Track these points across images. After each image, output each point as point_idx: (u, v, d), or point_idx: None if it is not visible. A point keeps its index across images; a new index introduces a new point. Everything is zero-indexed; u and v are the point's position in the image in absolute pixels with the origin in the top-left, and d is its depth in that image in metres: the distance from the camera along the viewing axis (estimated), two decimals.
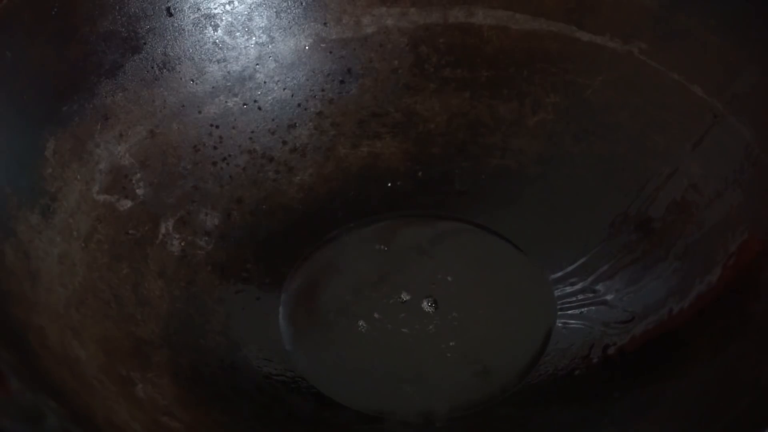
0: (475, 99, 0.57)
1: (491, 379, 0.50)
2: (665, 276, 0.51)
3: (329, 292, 0.53)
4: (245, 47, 0.56)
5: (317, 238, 0.55)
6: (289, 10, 0.56)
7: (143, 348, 0.49)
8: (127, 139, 0.53)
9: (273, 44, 0.56)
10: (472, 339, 0.51)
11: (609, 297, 0.52)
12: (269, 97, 0.56)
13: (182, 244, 0.53)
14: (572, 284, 0.53)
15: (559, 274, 0.53)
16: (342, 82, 0.57)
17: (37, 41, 0.50)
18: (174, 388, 0.48)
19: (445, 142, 0.57)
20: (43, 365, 0.44)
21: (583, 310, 0.52)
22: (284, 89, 0.56)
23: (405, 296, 0.53)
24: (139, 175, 0.53)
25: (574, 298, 0.52)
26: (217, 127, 0.55)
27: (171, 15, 0.54)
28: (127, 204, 0.52)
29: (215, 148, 0.55)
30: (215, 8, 0.55)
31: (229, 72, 0.55)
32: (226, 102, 0.55)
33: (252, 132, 0.56)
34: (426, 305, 0.52)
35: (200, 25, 0.55)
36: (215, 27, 0.55)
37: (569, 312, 0.52)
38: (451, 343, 0.51)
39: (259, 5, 0.56)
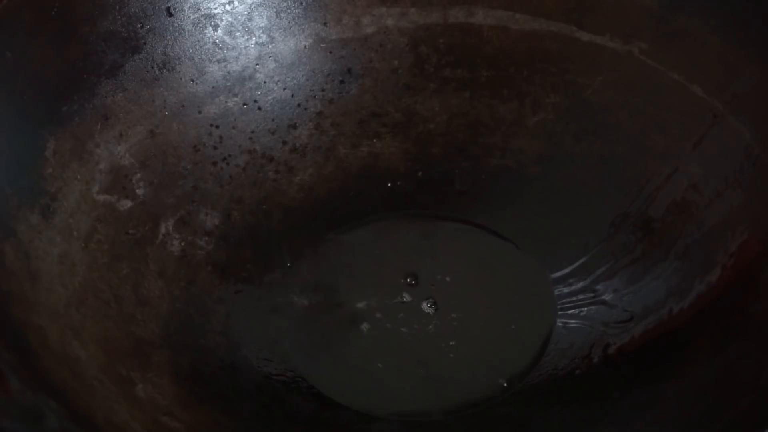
0: (475, 99, 0.57)
1: (491, 379, 0.50)
2: (665, 276, 0.51)
3: (329, 291, 0.53)
4: (245, 47, 0.56)
5: (317, 238, 0.55)
6: (289, 10, 0.56)
7: (143, 348, 0.49)
8: (127, 139, 0.53)
9: (273, 44, 0.56)
10: (472, 339, 0.51)
11: (609, 297, 0.52)
12: (269, 97, 0.56)
13: (182, 244, 0.53)
14: (572, 284, 0.53)
15: (559, 274, 0.53)
16: (342, 82, 0.57)
17: (37, 41, 0.50)
18: (174, 388, 0.48)
19: (445, 142, 0.57)
20: (43, 365, 0.44)
21: (583, 310, 0.52)
22: (284, 89, 0.56)
23: (405, 296, 0.53)
24: (139, 175, 0.53)
25: (574, 298, 0.52)
26: (217, 127, 0.55)
27: (171, 15, 0.54)
28: (127, 204, 0.52)
29: (215, 148, 0.55)
30: (215, 8, 0.55)
31: (229, 72, 0.55)
32: (226, 102, 0.55)
33: (252, 132, 0.56)
34: (426, 305, 0.52)
35: (200, 25, 0.55)
36: (215, 27, 0.55)
37: (569, 312, 0.52)
38: (451, 343, 0.51)
39: (259, 5, 0.56)
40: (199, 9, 0.55)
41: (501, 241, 0.55)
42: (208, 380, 0.49)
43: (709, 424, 0.44)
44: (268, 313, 0.52)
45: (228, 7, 0.55)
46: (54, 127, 0.50)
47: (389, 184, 0.57)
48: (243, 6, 0.55)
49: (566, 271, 0.53)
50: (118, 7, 0.52)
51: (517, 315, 0.52)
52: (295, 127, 0.56)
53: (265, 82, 0.56)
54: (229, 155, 0.55)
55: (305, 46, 0.56)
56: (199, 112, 0.55)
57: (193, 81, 0.55)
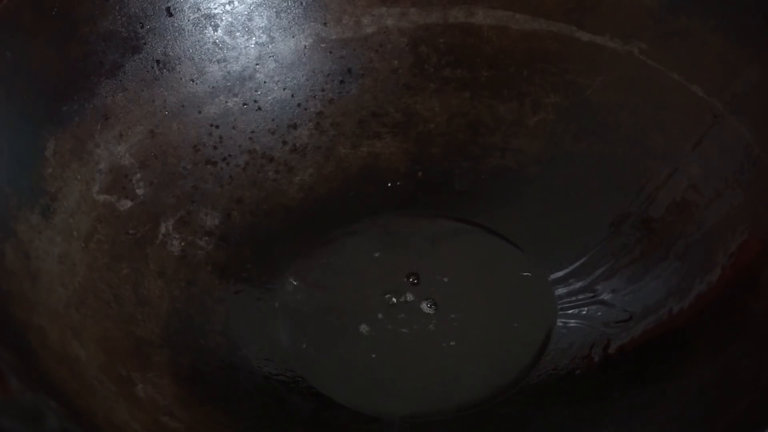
0: (475, 99, 0.57)
1: (491, 379, 0.50)
2: (665, 276, 0.51)
3: (329, 292, 0.53)
4: (245, 47, 0.56)
5: (317, 238, 0.55)
6: (289, 10, 0.56)
7: (143, 348, 0.49)
8: (127, 139, 0.53)
9: (273, 44, 0.56)
10: (471, 339, 0.51)
11: (609, 297, 0.52)
12: (269, 97, 0.56)
13: (182, 244, 0.53)
14: (572, 284, 0.53)
15: (559, 274, 0.53)
16: (342, 82, 0.57)
17: (37, 41, 0.50)
18: (174, 388, 0.48)
19: (445, 142, 0.57)
20: (43, 365, 0.44)
21: (583, 309, 0.52)
22: (284, 89, 0.56)
23: (405, 297, 0.53)
24: (139, 175, 0.53)
25: (574, 298, 0.52)
26: (217, 127, 0.55)
27: (171, 15, 0.54)
28: (127, 204, 0.52)
29: (215, 148, 0.55)
30: (215, 8, 0.55)
31: (229, 72, 0.55)
32: (226, 102, 0.55)
33: (252, 132, 0.56)
34: (425, 306, 0.52)
35: (200, 25, 0.55)
36: (215, 27, 0.55)
37: (569, 312, 0.52)
38: (451, 344, 0.51)
39: (259, 5, 0.56)
40: (199, 9, 0.55)
41: (501, 241, 0.55)
42: (208, 380, 0.49)
43: (709, 424, 0.44)
44: (268, 313, 0.52)
45: (228, 7, 0.55)
46: (54, 127, 0.50)
47: (389, 184, 0.57)
48: (243, 6, 0.55)
49: (566, 271, 0.53)
50: (118, 7, 0.52)
51: (517, 315, 0.52)
52: (295, 127, 0.56)
53: (265, 82, 0.56)
54: (229, 155, 0.55)
55: (305, 46, 0.56)
56: (199, 112, 0.55)
57: (193, 81, 0.55)
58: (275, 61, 0.56)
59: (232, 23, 0.55)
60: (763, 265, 0.48)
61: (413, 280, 0.53)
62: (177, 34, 0.54)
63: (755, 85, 0.51)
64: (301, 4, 0.56)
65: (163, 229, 0.53)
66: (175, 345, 0.50)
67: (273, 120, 0.56)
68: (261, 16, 0.56)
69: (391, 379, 0.50)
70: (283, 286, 0.53)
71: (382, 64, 0.57)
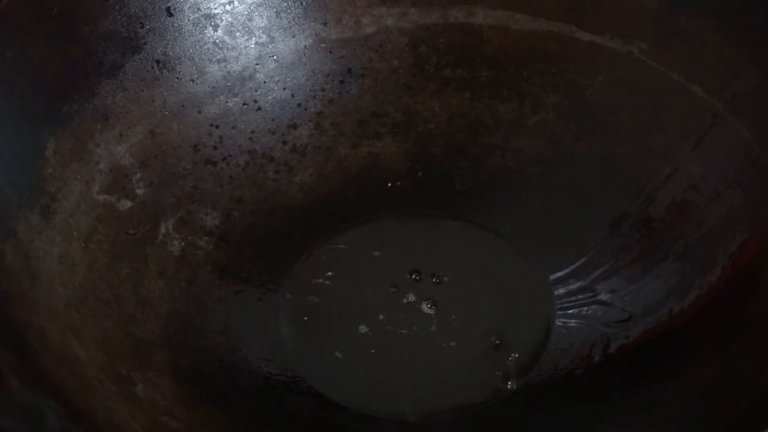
0: (475, 99, 0.57)
1: (491, 380, 0.50)
2: (665, 276, 0.51)
3: (329, 292, 0.53)
4: (245, 47, 0.56)
5: (317, 238, 0.55)
6: (289, 10, 0.56)
7: (143, 348, 0.49)
8: (127, 139, 0.53)
9: (273, 44, 0.56)
10: (472, 339, 0.51)
11: (608, 297, 0.52)
12: (269, 97, 0.56)
13: (182, 244, 0.53)
14: (572, 284, 0.53)
15: (559, 274, 0.53)
16: (342, 82, 0.57)
17: (37, 41, 0.50)
18: (174, 388, 0.48)
19: (445, 142, 0.57)
20: (43, 365, 0.44)
21: (582, 309, 0.52)
22: (284, 89, 0.56)
23: (405, 297, 0.53)
24: (139, 175, 0.53)
25: (573, 298, 0.52)
26: (217, 127, 0.55)
27: (171, 15, 0.54)
28: (127, 204, 0.52)
29: (215, 148, 0.55)
30: (215, 8, 0.55)
31: (229, 72, 0.55)
32: (226, 102, 0.55)
33: (252, 132, 0.56)
34: (426, 306, 0.52)
35: (200, 25, 0.55)
36: (215, 27, 0.55)
37: (569, 312, 0.52)
38: (451, 344, 0.51)
39: (259, 5, 0.56)
40: (199, 9, 0.55)
41: (501, 241, 0.55)
42: (208, 380, 0.49)
43: (709, 424, 0.44)
44: (268, 313, 0.52)
45: (228, 7, 0.55)
46: (54, 127, 0.50)
47: (389, 184, 0.57)
48: (243, 6, 0.55)
49: (566, 271, 0.53)
50: (118, 7, 0.52)
51: (516, 315, 0.52)
52: (295, 127, 0.56)
53: (265, 82, 0.56)
54: (229, 155, 0.55)
55: (305, 46, 0.56)
56: (199, 112, 0.55)
57: (193, 81, 0.55)
58: (275, 61, 0.56)
59: (232, 23, 0.55)
60: (763, 265, 0.48)
61: (415, 277, 0.53)
62: (177, 34, 0.54)
63: (755, 85, 0.51)
64: (301, 4, 0.56)
65: (163, 229, 0.53)
66: (175, 345, 0.50)
67: (273, 120, 0.56)
68: (261, 16, 0.56)
69: (391, 380, 0.50)
70: (283, 286, 0.53)
71: (382, 64, 0.57)
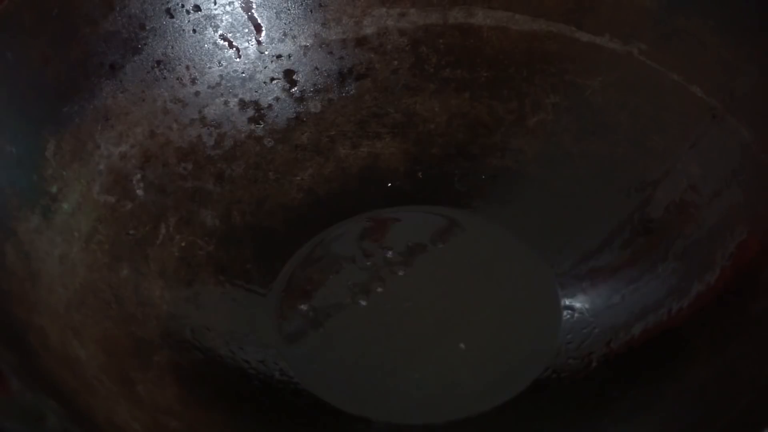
0: (475, 99, 0.57)
1: (492, 380, 0.50)
2: (664, 276, 0.51)
3: (329, 292, 0.53)
4: (245, 48, 0.56)
5: (317, 239, 0.55)
6: (289, 11, 0.56)
7: (144, 348, 0.49)
8: (127, 139, 0.53)
9: (273, 45, 0.56)
10: (472, 340, 0.51)
11: (608, 297, 0.52)
12: (269, 98, 0.56)
13: (182, 244, 0.53)
14: (572, 284, 0.53)
15: (559, 273, 0.53)
16: (342, 82, 0.57)
17: (37, 42, 0.50)
18: (174, 388, 0.48)
19: (445, 142, 0.57)
20: (44, 365, 0.44)
21: (583, 309, 0.52)
22: (284, 90, 0.56)
23: (405, 298, 0.53)
24: (139, 176, 0.53)
25: (573, 298, 0.52)
26: (217, 127, 0.55)
27: (171, 16, 0.54)
28: (127, 204, 0.52)
29: (215, 148, 0.55)
30: (215, 9, 0.55)
31: (229, 72, 0.55)
32: (226, 102, 0.55)
33: (252, 132, 0.56)
34: (426, 307, 0.52)
35: (200, 26, 0.55)
36: (215, 28, 0.55)
37: (569, 312, 0.52)
38: (451, 345, 0.51)
39: (259, 6, 0.56)
40: (199, 10, 0.55)
41: (501, 241, 0.55)
42: (208, 380, 0.49)
43: (709, 424, 0.44)
44: (268, 313, 0.53)
45: (228, 8, 0.55)
46: (54, 128, 0.50)
47: (389, 185, 0.57)
48: (243, 7, 0.56)
49: (566, 270, 0.53)
50: (118, 8, 0.53)
51: (517, 315, 0.52)
52: (295, 127, 0.56)
53: (265, 83, 0.56)
54: (229, 155, 0.55)
55: (305, 47, 0.56)
56: (200, 113, 0.55)
57: (193, 81, 0.55)
58: (275, 61, 0.56)
59: (232, 24, 0.55)
60: (762, 265, 0.48)
61: (413, 281, 0.53)
62: (177, 35, 0.54)
63: (754, 85, 0.51)
64: (301, 4, 0.56)
65: (163, 230, 0.53)
66: (175, 345, 0.50)
67: (273, 120, 0.56)
68: (261, 16, 0.56)
69: (391, 382, 0.50)
70: (283, 286, 0.53)
71: (382, 65, 0.57)
